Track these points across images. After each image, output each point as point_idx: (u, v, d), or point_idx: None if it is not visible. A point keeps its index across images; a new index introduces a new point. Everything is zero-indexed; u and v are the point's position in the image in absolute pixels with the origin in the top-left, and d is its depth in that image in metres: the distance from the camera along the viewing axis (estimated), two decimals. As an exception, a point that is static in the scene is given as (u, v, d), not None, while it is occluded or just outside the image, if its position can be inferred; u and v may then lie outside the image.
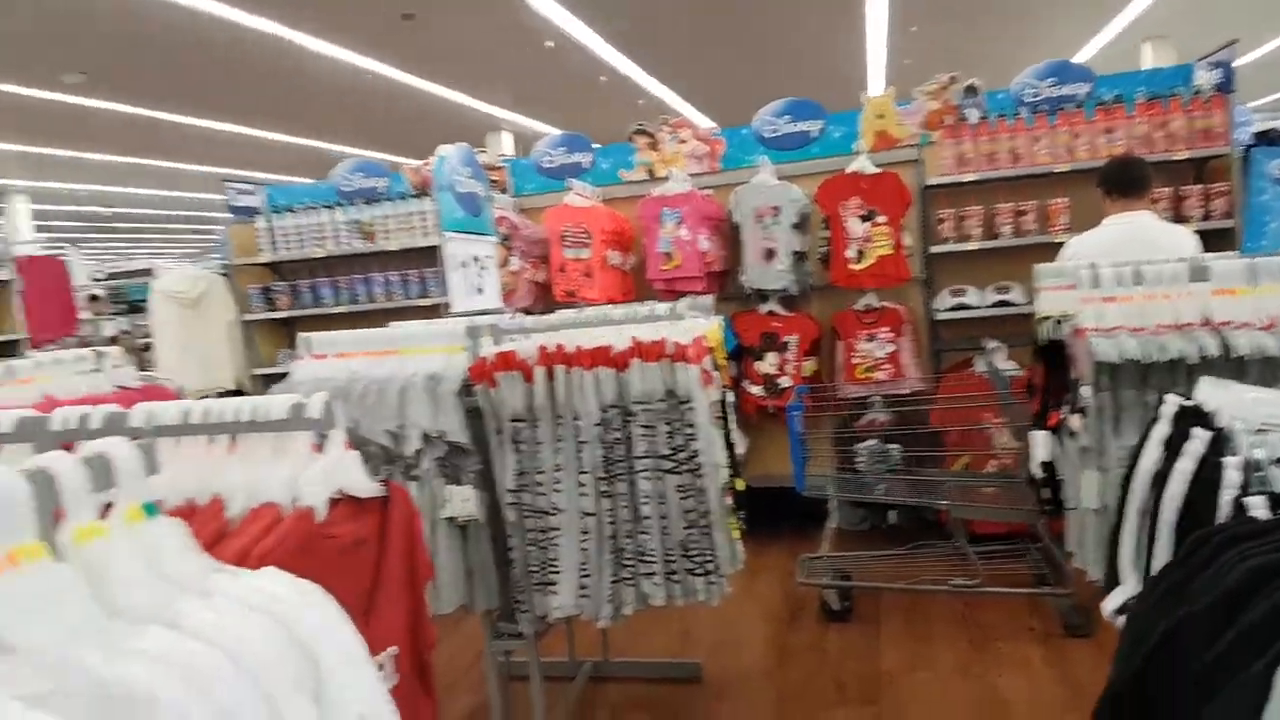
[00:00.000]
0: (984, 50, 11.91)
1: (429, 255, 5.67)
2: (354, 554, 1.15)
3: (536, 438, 2.44)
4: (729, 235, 4.80)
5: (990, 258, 4.61)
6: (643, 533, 2.39)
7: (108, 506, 0.85)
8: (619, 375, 2.40)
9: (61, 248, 8.61)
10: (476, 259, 2.84)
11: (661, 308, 2.60)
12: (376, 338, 2.75)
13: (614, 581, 2.40)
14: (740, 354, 4.66)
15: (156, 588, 0.79)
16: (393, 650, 1.15)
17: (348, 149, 15.07)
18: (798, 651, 3.50)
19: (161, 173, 17.03)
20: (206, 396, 7.28)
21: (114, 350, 3.49)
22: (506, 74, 12.30)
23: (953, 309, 4.58)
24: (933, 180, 4.60)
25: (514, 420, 2.46)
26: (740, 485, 2.89)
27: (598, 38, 10.76)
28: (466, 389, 2.52)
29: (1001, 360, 4.20)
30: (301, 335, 2.84)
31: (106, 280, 11.55)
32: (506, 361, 2.45)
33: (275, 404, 1.18)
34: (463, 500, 2.50)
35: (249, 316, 5.96)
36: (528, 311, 4.62)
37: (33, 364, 3.12)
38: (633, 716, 3.12)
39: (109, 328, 10.09)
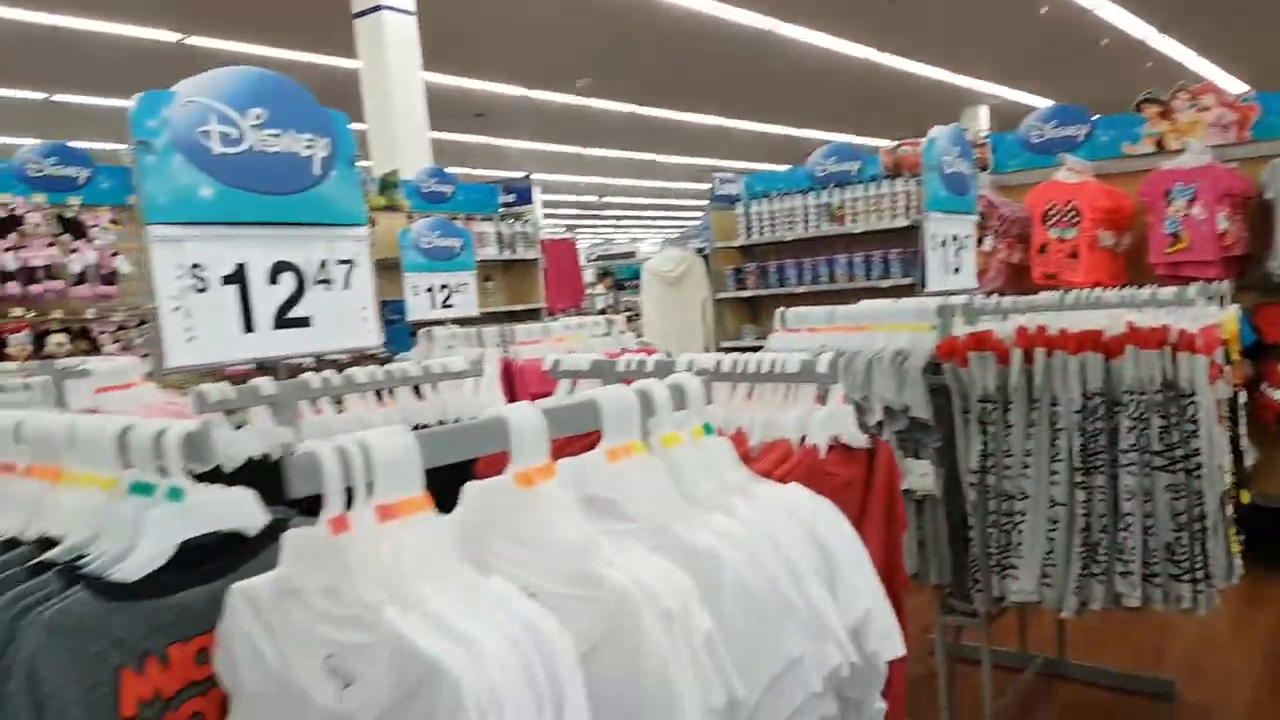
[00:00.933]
0: None
1: (894, 237, 5.75)
2: (844, 492, 1.33)
3: (1007, 420, 2.43)
4: (1255, 214, 4.14)
5: None
6: (1121, 530, 2.25)
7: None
8: (1108, 362, 2.28)
9: (563, 232, 10.29)
10: (955, 238, 2.87)
11: (1166, 292, 2.39)
12: (846, 314, 2.93)
13: (1083, 574, 2.30)
14: (1260, 352, 4.02)
15: (714, 485, 1.02)
16: (875, 581, 1.31)
17: (817, 134, 15.61)
18: (1306, 698, 2.99)
19: (643, 165, 19.23)
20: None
21: (619, 319, 4.18)
22: (993, 45, 11.75)
23: None
24: None
25: (983, 401, 2.46)
26: (1245, 498, 2.57)
27: (1100, -3, 9.77)
28: (933, 367, 2.57)
29: None
30: (779, 310, 3.13)
31: (596, 261, 13.46)
32: (980, 341, 2.46)
33: (790, 360, 1.39)
34: (921, 475, 2.58)
35: (720, 294, 6.62)
36: (1000, 293, 4.48)
37: (562, 326, 3.89)
38: (1088, 724, 2.95)
39: (599, 301, 11.81)
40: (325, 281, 1.97)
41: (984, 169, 5.15)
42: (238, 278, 1.87)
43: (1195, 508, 2.19)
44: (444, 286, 4.19)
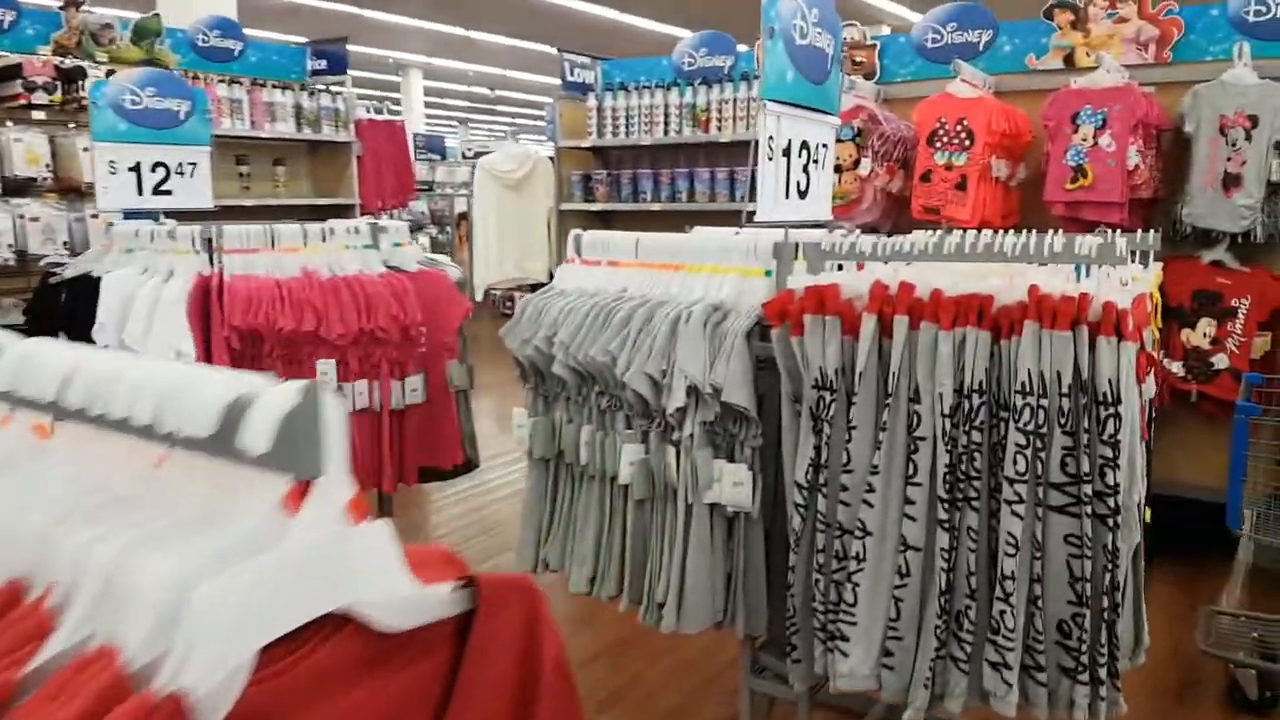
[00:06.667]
0: None
1: (767, 151, 4.95)
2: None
3: (850, 419, 1.65)
4: (1169, 151, 3.49)
5: None
6: (999, 598, 1.52)
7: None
8: (997, 344, 1.52)
9: (452, 126, 8.95)
10: (806, 147, 2.04)
11: (1087, 242, 1.63)
12: (659, 245, 2.10)
13: (938, 657, 1.57)
14: (1164, 317, 3.42)
15: None
16: None
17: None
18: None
19: (540, 57, 17.66)
20: (520, 288, 6.99)
21: (393, 225, 3.06)
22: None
23: None
24: None
25: (819, 387, 1.68)
26: (1147, 516, 1.91)
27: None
28: (761, 331, 1.79)
29: None
30: (574, 233, 2.27)
31: (473, 158, 12.17)
32: (820, 300, 1.66)
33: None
34: (734, 484, 1.80)
35: (565, 205, 5.59)
36: (872, 230, 3.73)
37: (298, 232, 2.73)
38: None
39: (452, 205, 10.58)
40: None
41: (869, 77, 4.35)
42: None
43: (1105, 571, 1.48)
44: (157, 165, 3.05)
